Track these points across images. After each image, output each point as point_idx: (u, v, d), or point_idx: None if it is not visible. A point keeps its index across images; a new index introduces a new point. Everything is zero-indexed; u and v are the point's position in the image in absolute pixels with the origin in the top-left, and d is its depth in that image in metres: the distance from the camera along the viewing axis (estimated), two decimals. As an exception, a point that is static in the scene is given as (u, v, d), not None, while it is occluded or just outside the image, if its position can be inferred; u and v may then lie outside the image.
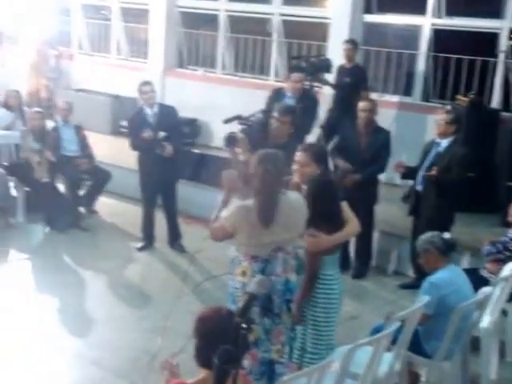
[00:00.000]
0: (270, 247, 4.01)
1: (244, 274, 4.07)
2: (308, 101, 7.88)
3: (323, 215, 4.24)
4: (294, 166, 4.63)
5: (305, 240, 4.18)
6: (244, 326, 2.67)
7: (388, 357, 4.17)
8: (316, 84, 8.61)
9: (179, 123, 8.10)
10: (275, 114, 6.06)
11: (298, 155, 4.63)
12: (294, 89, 7.82)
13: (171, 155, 7.39)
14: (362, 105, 7.16)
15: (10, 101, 9.24)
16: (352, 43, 9.13)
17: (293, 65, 8.75)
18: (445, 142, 6.65)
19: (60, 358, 5.32)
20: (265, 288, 3.07)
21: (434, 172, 6.50)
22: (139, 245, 7.74)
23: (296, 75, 7.96)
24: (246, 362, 3.99)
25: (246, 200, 4.02)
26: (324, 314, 4.31)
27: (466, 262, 6.79)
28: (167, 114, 7.59)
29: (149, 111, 7.51)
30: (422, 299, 4.40)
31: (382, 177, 7.66)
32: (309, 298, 4.26)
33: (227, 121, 6.66)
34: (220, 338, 2.67)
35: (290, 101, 7.71)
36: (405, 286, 6.94)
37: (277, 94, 7.95)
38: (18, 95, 9.55)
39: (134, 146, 7.55)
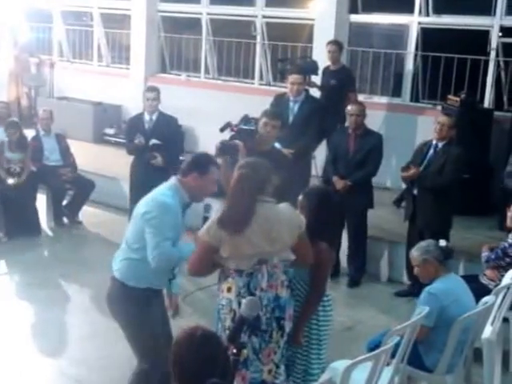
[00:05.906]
0: (252, 260, 3.78)
1: (229, 289, 3.84)
2: (313, 104, 7.39)
3: (327, 225, 4.08)
4: None
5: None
6: (234, 351, 2.45)
7: (386, 371, 3.96)
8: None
9: (178, 134, 7.97)
10: (264, 119, 5.82)
11: None
12: (292, 91, 7.27)
13: (162, 165, 7.19)
14: (350, 108, 6.96)
15: None
16: (336, 44, 8.84)
17: (280, 68, 8.48)
18: (441, 144, 6.51)
19: (42, 376, 5.09)
20: (256, 309, 2.85)
21: (413, 170, 6.45)
22: (125, 256, 7.52)
23: (294, 76, 7.35)
24: None
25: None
26: (327, 333, 4.12)
27: (461, 267, 6.61)
28: (165, 123, 7.48)
29: (147, 118, 7.46)
30: (421, 310, 4.19)
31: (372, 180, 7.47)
32: (311, 317, 4.06)
33: (222, 129, 6.63)
34: (202, 366, 2.43)
35: (294, 106, 7.28)
36: (400, 294, 6.77)
37: (279, 100, 7.48)
38: (7, 107, 9.32)
39: (128, 151, 7.54)
